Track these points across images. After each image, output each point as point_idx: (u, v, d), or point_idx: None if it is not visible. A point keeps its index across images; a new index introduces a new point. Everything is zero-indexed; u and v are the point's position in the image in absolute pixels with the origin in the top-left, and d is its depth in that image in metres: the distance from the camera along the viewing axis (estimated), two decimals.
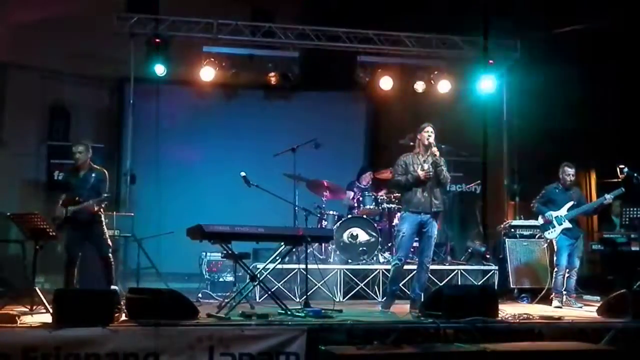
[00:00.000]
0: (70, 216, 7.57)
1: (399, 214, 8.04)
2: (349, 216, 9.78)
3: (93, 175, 7.85)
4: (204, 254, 9.39)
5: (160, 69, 10.41)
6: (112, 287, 7.61)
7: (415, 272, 7.85)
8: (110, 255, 7.84)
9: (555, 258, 8.56)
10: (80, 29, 11.35)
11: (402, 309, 7.62)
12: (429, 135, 7.58)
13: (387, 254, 9.65)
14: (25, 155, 11.70)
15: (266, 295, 7.32)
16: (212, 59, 10.77)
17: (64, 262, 7.78)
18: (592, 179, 12.59)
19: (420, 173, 7.44)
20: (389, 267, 8.05)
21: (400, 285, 8.11)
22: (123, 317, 6.15)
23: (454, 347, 5.89)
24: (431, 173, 7.45)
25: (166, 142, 11.60)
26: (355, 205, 9.94)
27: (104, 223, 7.87)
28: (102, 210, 7.84)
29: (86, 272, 8.01)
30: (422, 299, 7.51)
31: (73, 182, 7.90)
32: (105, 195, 7.67)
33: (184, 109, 11.83)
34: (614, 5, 10.74)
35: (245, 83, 11.51)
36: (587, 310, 7.96)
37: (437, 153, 7.52)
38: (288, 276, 8.72)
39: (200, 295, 8.58)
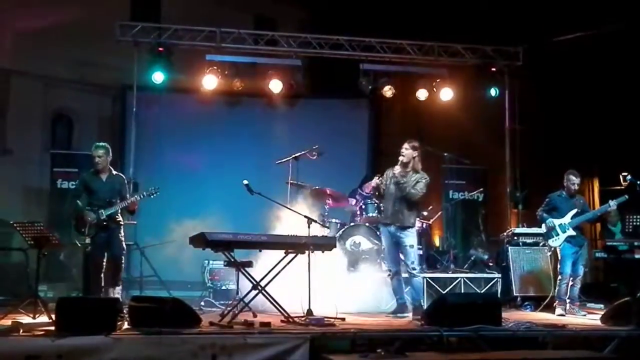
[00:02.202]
0: (104, 219, 7.61)
1: None
2: (352, 224, 9.76)
3: (116, 178, 7.92)
4: (207, 262, 9.37)
5: (159, 77, 10.41)
6: (117, 290, 7.65)
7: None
8: (122, 257, 7.86)
9: (559, 266, 8.53)
10: (83, 37, 11.41)
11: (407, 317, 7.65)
12: (402, 154, 7.86)
13: None
14: (28, 163, 11.72)
15: (269, 303, 7.30)
16: (215, 67, 10.78)
17: (91, 270, 7.81)
18: (595, 186, 12.58)
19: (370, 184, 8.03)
20: None
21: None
22: (126, 326, 6.14)
23: (458, 355, 5.88)
24: (377, 191, 7.99)
25: (169, 150, 11.61)
26: (358, 213, 9.93)
27: (122, 228, 7.93)
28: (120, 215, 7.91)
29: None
30: (422, 306, 7.72)
31: (95, 186, 7.82)
32: (153, 189, 7.79)
33: (187, 117, 11.84)
34: (615, 12, 10.75)
35: (248, 91, 11.52)
36: (590, 319, 7.93)
37: (397, 171, 7.82)
38: (290, 284, 8.68)
39: (202, 303, 8.56)
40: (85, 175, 8.11)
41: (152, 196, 7.80)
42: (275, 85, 10.98)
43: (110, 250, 7.76)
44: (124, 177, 8.09)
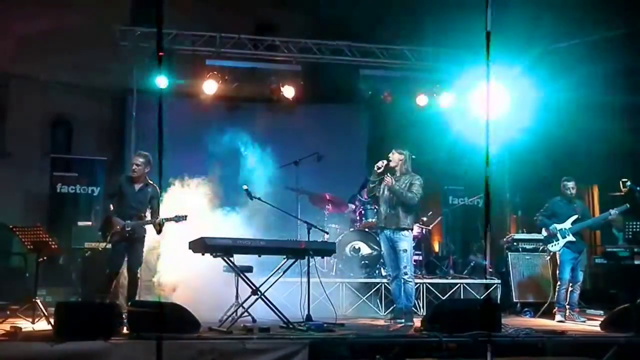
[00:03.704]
0: (129, 230, 7.39)
1: None
2: (351, 230, 9.76)
3: (149, 190, 7.64)
4: None
5: (162, 81, 10.41)
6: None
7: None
8: (139, 272, 7.62)
9: (558, 272, 8.54)
10: (83, 41, 11.40)
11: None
12: (390, 159, 7.95)
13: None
14: (28, 167, 11.71)
15: (268, 308, 7.30)
16: (215, 72, 10.80)
17: (105, 276, 7.50)
18: (595, 193, 12.56)
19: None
20: None
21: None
22: (124, 331, 6.14)
23: None
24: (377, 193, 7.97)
25: (169, 155, 11.57)
26: (358, 218, 9.93)
27: (144, 242, 7.69)
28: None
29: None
30: (413, 311, 7.87)
31: (126, 192, 7.60)
32: (182, 216, 7.50)
33: (187, 121, 11.83)
34: (614, 18, 10.76)
35: (248, 96, 11.53)
36: (590, 325, 7.94)
37: (389, 180, 7.85)
38: (290, 290, 8.69)
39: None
40: (123, 178, 7.93)
41: (177, 222, 7.61)
42: (276, 91, 11.02)
43: (128, 261, 7.55)
44: (158, 189, 7.75)
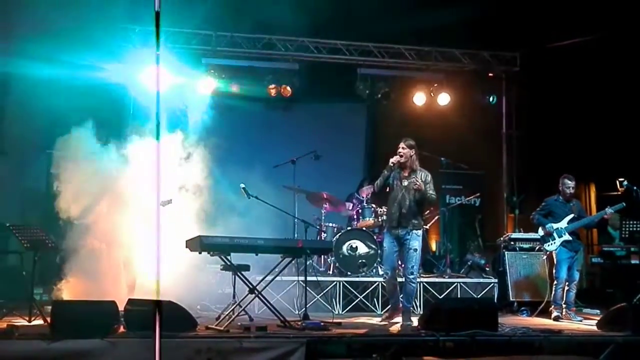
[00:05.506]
0: None
1: None
2: (349, 228, 9.76)
3: None
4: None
5: (164, 80, 10.42)
6: None
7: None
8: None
9: (554, 271, 8.54)
10: (80, 39, 11.37)
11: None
12: (400, 154, 7.61)
13: None
14: (25, 164, 11.68)
15: (265, 307, 7.31)
16: (212, 71, 10.78)
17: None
18: (592, 192, 12.59)
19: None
20: None
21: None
22: (121, 329, 6.13)
23: None
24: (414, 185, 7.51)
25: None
26: (355, 217, 9.93)
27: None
28: None
29: None
30: (411, 310, 7.74)
31: None
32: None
33: (183, 120, 11.81)
34: (612, 17, 10.77)
35: (245, 94, 11.50)
36: (586, 324, 7.94)
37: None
38: (287, 288, 8.70)
39: (199, 307, 8.54)
40: None
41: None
42: (273, 90, 11.00)
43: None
44: None
